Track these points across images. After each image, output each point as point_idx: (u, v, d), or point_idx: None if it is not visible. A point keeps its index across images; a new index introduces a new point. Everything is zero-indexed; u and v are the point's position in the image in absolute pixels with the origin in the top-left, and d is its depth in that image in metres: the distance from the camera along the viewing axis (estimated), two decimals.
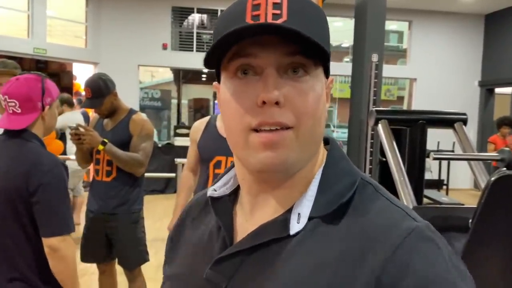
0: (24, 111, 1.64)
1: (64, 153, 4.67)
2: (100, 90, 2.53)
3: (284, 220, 0.55)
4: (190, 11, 9.04)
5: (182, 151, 8.22)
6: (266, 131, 0.52)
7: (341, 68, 9.09)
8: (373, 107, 4.11)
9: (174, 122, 10.79)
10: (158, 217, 5.67)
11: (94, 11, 8.58)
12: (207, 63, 0.56)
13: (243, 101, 0.53)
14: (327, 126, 14.77)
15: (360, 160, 4.82)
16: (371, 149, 3.96)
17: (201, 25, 9.22)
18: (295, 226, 0.54)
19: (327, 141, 0.63)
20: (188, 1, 8.83)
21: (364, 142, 4.16)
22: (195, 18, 9.08)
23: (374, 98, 4.17)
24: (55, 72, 9.64)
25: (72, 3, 8.68)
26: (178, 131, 8.50)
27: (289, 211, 0.56)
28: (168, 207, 6.83)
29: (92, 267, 2.93)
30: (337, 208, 0.54)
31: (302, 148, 0.54)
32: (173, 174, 6.56)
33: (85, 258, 2.75)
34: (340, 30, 11.10)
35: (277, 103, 0.51)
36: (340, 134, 12.63)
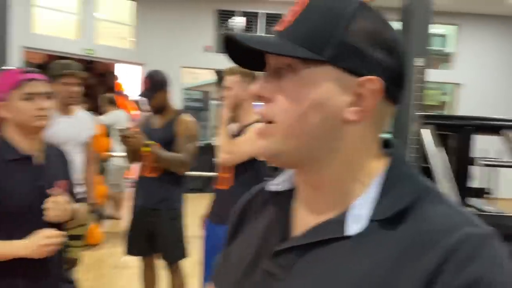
0: None
1: (110, 150, 4.85)
2: (156, 84, 2.65)
3: (342, 220, 0.56)
4: (232, 14, 9.16)
5: None
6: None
7: None
8: (417, 112, 4.03)
9: (214, 122, 10.93)
10: (197, 215, 5.77)
11: (141, 13, 8.85)
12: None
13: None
14: None
15: None
16: (415, 155, 3.89)
17: (246, 29, 9.31)
18: (353, 228, 0.55)
19: (391, 144, 0.63)
20: (231, 4, 8.95)
21: (407, 147, 4.09)
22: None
23: (418, 103, 4.09)
24: (101, 72, 9.99)
25: (119, 6, 8.99)
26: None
27: (347, 211, 0.57)
28: (206, 206, 6.92)
29: (135, 260, 3.03)
30: (397, 212, 0.54)
31: (282, 142, 0.57)
32: (212, 174, 6.65)
33: (129, 251, 2.86)
34: None
35: (263, 98, 0.58)
36: None
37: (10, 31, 6.78)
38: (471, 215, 0.54)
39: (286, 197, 0.65)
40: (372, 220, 0.55)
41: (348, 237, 0.55)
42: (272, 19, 9.11)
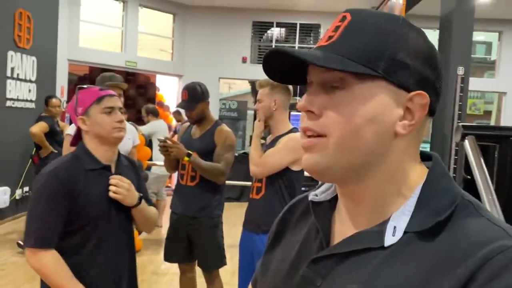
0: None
1: (151, 159, 4.99)
2: (196, 95, 2.73)
3: (380, 231, 0.58)
4: (270, 25, 9.25)
5: None
6: (305, 136, 0.60)
7: None
8: (459, 122, 3.93)
9: (249, 132, 11.04)
10: (233, 224, 5.81)
11: (180, 26, 9.10)
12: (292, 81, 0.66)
13: None
14: None
15: None
16: (455, 166, 3.79)
17: (284, 40, 9.38)
18: (390, 238, 0.57)
19: (430, 157, 0.64)
20: (268, 16, 9.05)
21: (447, 158, 3.99)
22: (274, 32, 9.27)
23: (459, 112, 3.99)
24: (142, 83, 10.32)
25: (159, 19, 9.28)
26: None
27: (385, 223, 0.58)
28: (242, 215, 6.99)
29: (173, 268, 3.10)
30: (433, 225, 0.55)
31: (334, 156, 0.57)
32: (248, 183, 6.71)
33: (168, 258, 2.93)
34: None
35: (312, 112, 0.58)
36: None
37: (58, 46, 7.12)
38: (510, 229, 0.54)
39: (326, 207, 0.67)
40: (409, 232, 0.56)
41: (385, 248, 0.56)
42: (309, 29, 9.13)
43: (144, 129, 5.40)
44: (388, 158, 0.59)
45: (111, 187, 1.61)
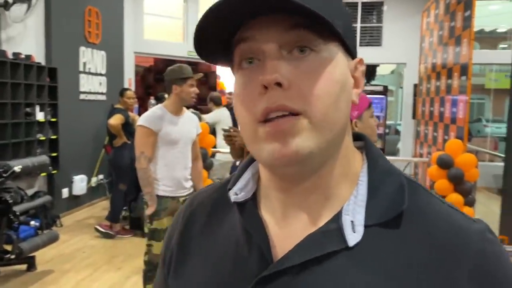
0: None
1: (215, 146, 5.10)
2: None
3: (337, 229, 0.48)
4: None
5: None
6: (273, 120, 0.45)
7: (496, 55, 8.16)
8: None
9: None
10: None
11: None
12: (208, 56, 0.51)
13: (248, 91, 0.47)
14: (478, 120, 13.38)
15: None
16: None
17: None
18: (352, 236, 0.47)
19: (359, 137, 0.56)
20: None
21: None
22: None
23: None
24: (204, 72, 10.54)
25: None
26: None
27: (338, 217, 0.49)
28: None
29: None
30: (396, 214, 0.48)
31: (317, 136, 0.46)
32: None
33: None
34: (496, 14, 9.95)
35: (280, 85, 0.45)
36: (494, 129, 11.35)
37: (125, 39, 7.43)
38: (458, 208, 0.52)
39: (252, 208, 0.54)
40: (369, 225, 0.48)
41: (350, 248, 0.47)
42: (371, 7, 8.81)
43: (208, 117, 5.51)
44: (345, 135, 0.51)
45: None
